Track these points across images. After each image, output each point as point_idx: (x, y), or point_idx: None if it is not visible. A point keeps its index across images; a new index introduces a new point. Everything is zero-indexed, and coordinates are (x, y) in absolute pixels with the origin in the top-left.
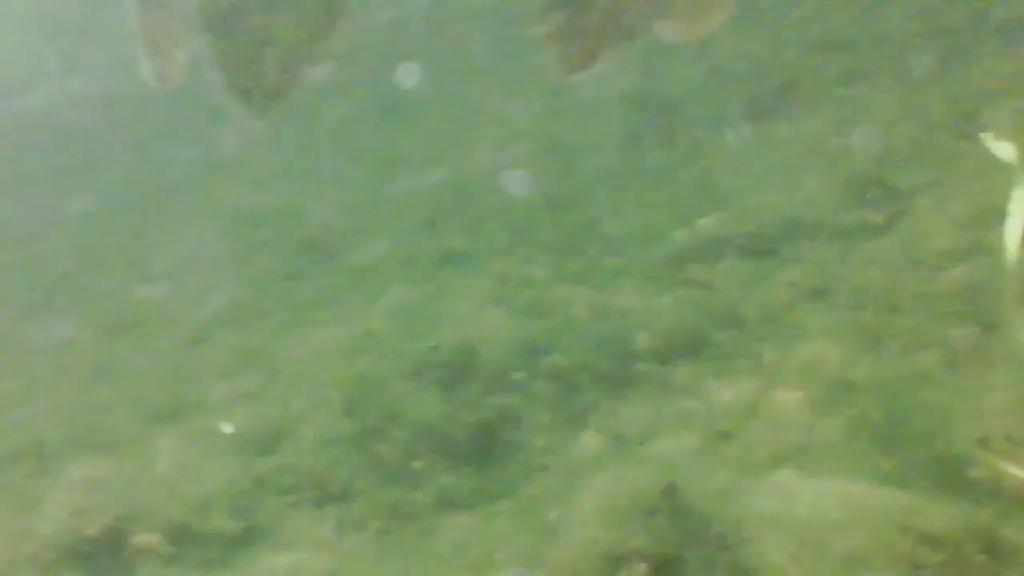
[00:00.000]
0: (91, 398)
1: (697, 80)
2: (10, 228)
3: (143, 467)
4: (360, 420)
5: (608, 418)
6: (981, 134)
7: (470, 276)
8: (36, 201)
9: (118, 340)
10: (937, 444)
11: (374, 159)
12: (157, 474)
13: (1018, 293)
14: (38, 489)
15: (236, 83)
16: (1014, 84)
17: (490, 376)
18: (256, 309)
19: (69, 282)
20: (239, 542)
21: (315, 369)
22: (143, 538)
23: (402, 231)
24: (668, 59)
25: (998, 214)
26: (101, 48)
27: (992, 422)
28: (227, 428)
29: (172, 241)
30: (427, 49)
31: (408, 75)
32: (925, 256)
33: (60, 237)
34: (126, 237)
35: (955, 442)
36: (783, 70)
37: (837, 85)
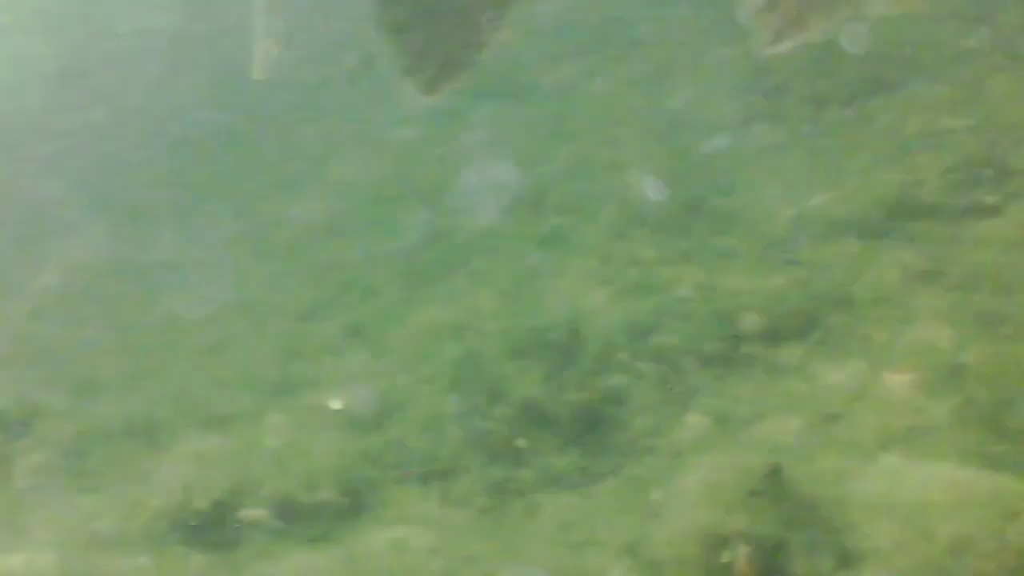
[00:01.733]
0: (202, 374)
1: (807, 57)
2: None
3: (252, 442)
4: (465, 397)
5: (713, 399)
6: None
7: (575, 255)
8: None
9: (229, 317)
10: None
11: None
12: (266, 449)
13: None
14: (149, 463)
15: (408, 70)
16: None
17: (595, 356)
18: (364, 287)
19: (181, 258)
20: (345, 517)
21: (421, 347)
22: (251, 512)
23: (508, 209)
24: None
25: None
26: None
27: None
28: (335, 404)
29: (285, 216)
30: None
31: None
32: None
33: (169, 217)
34: (242, 210)
35: None
36: (901, 48)
37: (952, 64)
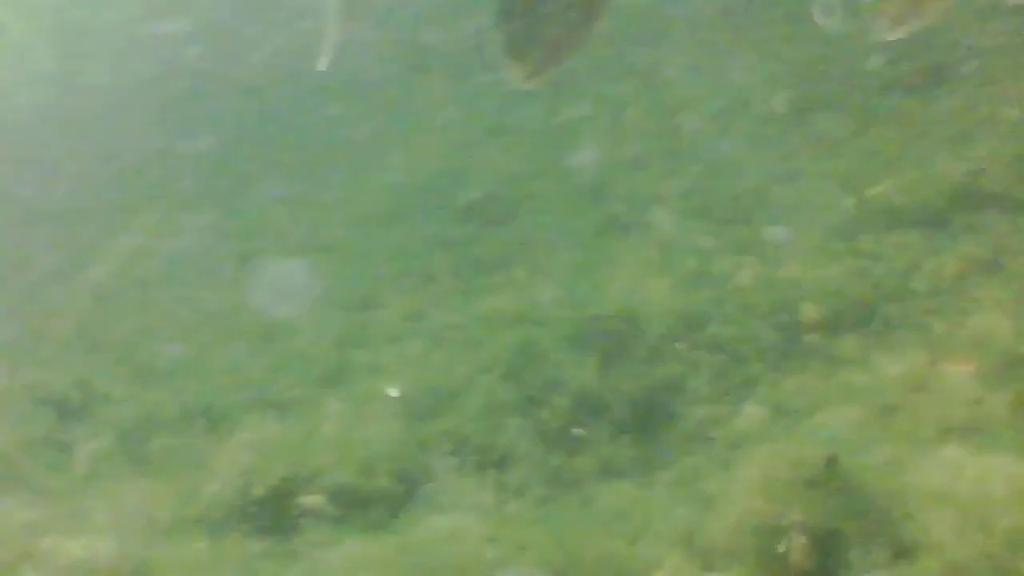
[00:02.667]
0: (260, 361)
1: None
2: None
3: (310, 429)
4: (522, 387)
5: (771, 390)
6: None
7: (634, 245)
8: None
9: (287, 304)
10: None
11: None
12: (324, 436)
13: None
14: (208, 450)
15: (516, 56)
16: None
17: (652, 346)
18: (423, 275)
19: (245, 248)
20: (401, 505)
21: (479, 335)
22: (309, 499)
23: (567, 200)
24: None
25: None
26: None
27: None
28: (393, 392)
29: (344, 206)
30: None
31: None
32: None
33: (223, 202)
34: (301, 196)
35: None
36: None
37: (1017, 54)
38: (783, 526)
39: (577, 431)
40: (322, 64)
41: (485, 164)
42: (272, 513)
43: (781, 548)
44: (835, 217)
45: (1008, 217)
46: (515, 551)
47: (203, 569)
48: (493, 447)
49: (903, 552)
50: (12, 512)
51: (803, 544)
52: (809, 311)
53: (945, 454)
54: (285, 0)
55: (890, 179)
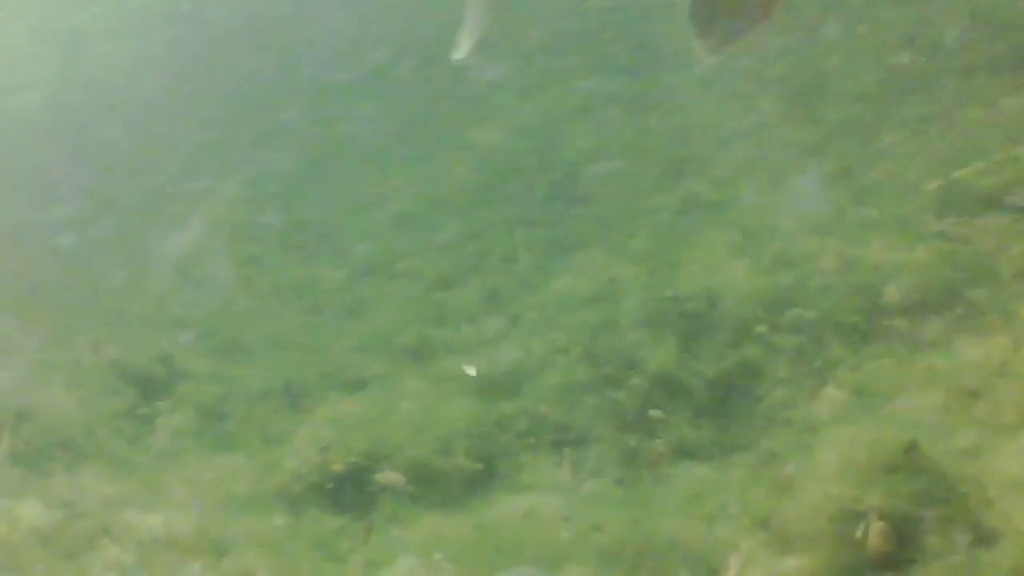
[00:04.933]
0: (341, 339)
1: (960, 26)
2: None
3: (389, 406)
4: (599, 367)
5: (852, 373)
6: None
7: (715, 226)
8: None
9: (369, 282)
10: None
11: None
12: (402, 414)
13: None
14: (287, 425)
15: (701, 32)
16: None
17: (731, 327)
18: (502, 255)
19: (323, 227)
20: (478, 483)
21: (557, 315)
22: (386, 476)
23: (648, 179)
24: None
25: None
26: None
27: None
28: (470, 371)
29: (422, 185)
30: None
31: None
32: None
33: (310, 181)
34: (384, 176)
35: None
36: None
37: None
38: (861, 511)
39: (654, 412)
40: (459, 53)
41: (568, 143)
42: (350, 489)
43: (859, 533)
44: (920, 200)
45: None
46: (590, 531)
47: (280, 544)
48: (570, 427)
49: (982, 538)
50: (93, 485)
51: (882, 529)
52: (892, 294)
53: None
54: None
55: (976, 162)
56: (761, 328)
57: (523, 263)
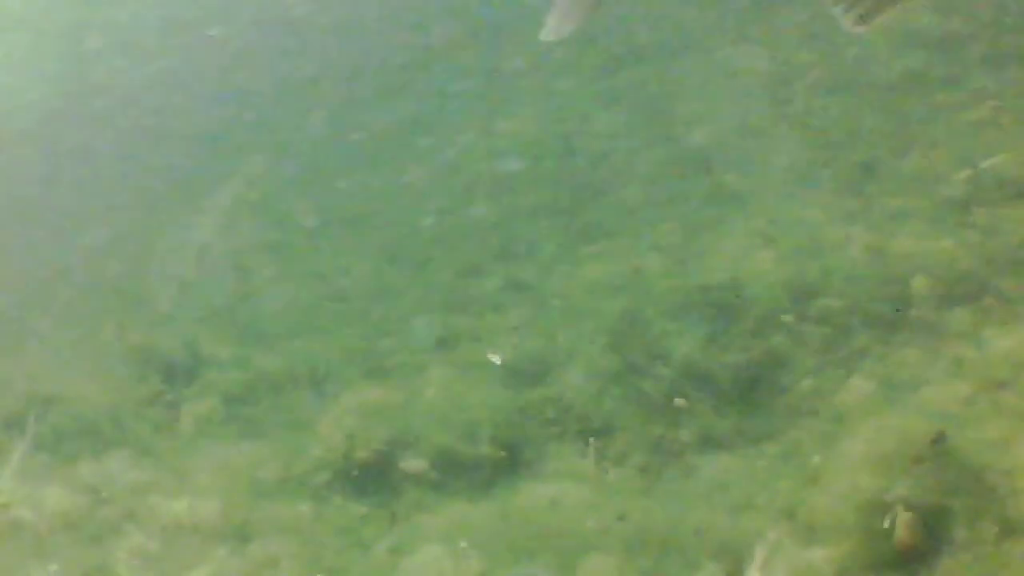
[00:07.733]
0: (366, 325)
1: (986, 17)
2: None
3: (413, 394)
4: (625, 356)
5: (879, 363)
6: None
7: (741, 215)
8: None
9: (395, 269)
10: None
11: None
12: (427, 401)
13: None
14: (312, 413)
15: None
16: None
17: (757, 317)
18: (527, 242)
19: (353, 212)
20: (502, 471)
21: (582, 304)
22: (411, 464)
23: (674, 167)
24: None
25: None
26: None
27: None
28: (495, 359)
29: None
30: None
31: None
32: None
33: (335, 164)
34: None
35: None
36: None
37: None
38: (888, 502)
39: (679, 401)
40: (545, 33)
41: (593, 130)
42: (375, 476)
43: (886, 524)
44: (949, 189)
45: None
46: (615, 520)
47: (305, 531)
48: (595, 416)
49: (1010, 530)
50: (118, 471)
51: (909, 520)
52: (920, 284)
53: None
54: None
55: (1005, 152)
56: (787, 318)
57: (548, 250)
